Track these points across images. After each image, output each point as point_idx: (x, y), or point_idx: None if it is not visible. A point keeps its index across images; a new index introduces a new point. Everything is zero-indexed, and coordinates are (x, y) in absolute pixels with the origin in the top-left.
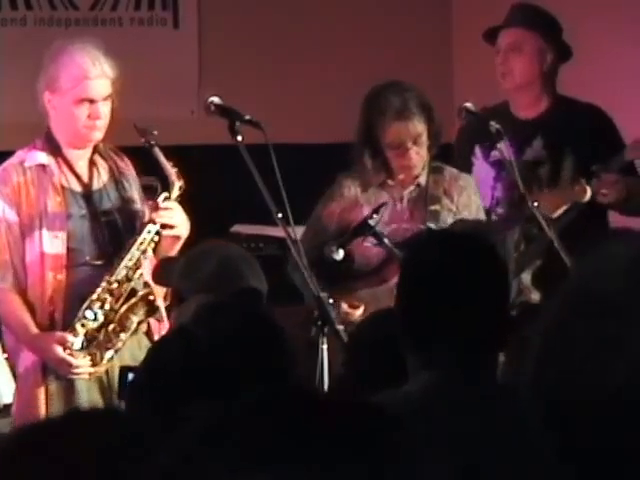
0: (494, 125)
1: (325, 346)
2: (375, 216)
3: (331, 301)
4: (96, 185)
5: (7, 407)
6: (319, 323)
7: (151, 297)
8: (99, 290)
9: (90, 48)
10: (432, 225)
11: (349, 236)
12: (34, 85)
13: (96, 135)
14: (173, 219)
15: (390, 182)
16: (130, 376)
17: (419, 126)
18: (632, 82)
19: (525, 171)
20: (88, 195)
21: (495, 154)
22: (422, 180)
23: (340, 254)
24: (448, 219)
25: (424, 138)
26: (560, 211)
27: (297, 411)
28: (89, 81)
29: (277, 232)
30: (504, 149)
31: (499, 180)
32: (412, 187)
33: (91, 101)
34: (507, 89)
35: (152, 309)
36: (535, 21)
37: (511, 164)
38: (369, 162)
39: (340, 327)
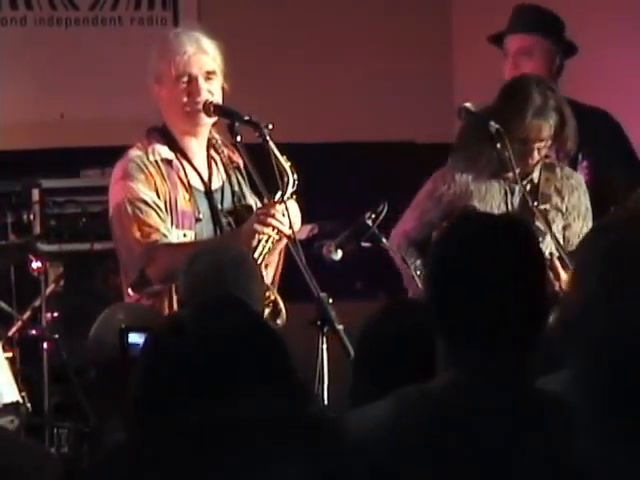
0: (493, 125)
1: (325, 346)
2: (373, 215)
3: (330, 300)
4: (215, 184)
5: (7, 406)
6: (319, 323)
7: (273, 298)
8: None
9: (190, 31)
10: (540, 225)
11: (347, 236)
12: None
13: (204, 118)
14: (285, 224)
15: (504, 174)
16: (130, 336)
17: (552, 128)
18: (633, 82)
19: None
20: (209, 195)
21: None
22: (535, 176)
23: (338, 254)
24: (556, 219)
25: (550, 141)
26: None
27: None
28: (183, 56)
29: None
30: (504, 142)
31: None
32: (524, 182)
33: (190, 78)
34: None
35: (276, 312)
36: (543, 24)
37: (510, 161)
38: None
39: (340, 327)
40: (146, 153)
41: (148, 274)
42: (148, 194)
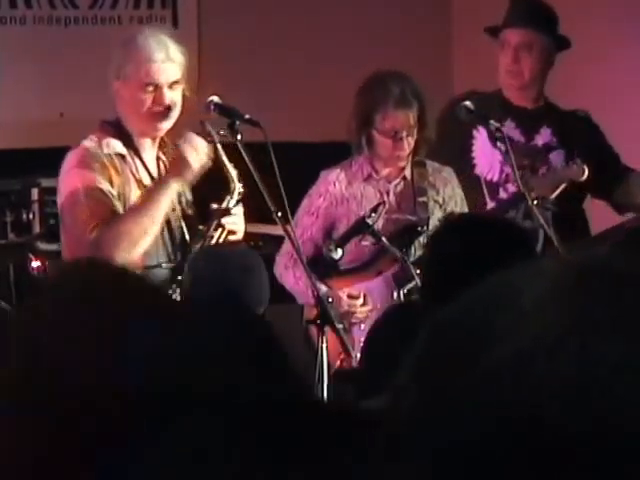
0: (494, 124)
1: (325, 345)
2: (373, 215)
3: (330, 300)
4: None
5: None
6: (318, 322)
7: None
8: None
9: (158, 34)
10: (422, 216)
11: (347, 235)
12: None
13: (163, 124)
14: (238, 225)
15: (375, 176)
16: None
17: (415, 117)
18: (631, 81)
19: (536, 155)
20: None
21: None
22: (407, 173)
23: (339, 253)
24: (435, 210)
25: (416, 130)
26: (558, 191)
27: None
28: (153, 64)
29: (276, 230)
30: (504, 147)
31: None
32: (398, 180)
33: (156, 86)
34: (512, 86)
35: None
36: (542, 20)
37: (509, 155)
38: (365, 149)
39: (340, 325)
40: (100, 146)
41: None
42: (103, 183)
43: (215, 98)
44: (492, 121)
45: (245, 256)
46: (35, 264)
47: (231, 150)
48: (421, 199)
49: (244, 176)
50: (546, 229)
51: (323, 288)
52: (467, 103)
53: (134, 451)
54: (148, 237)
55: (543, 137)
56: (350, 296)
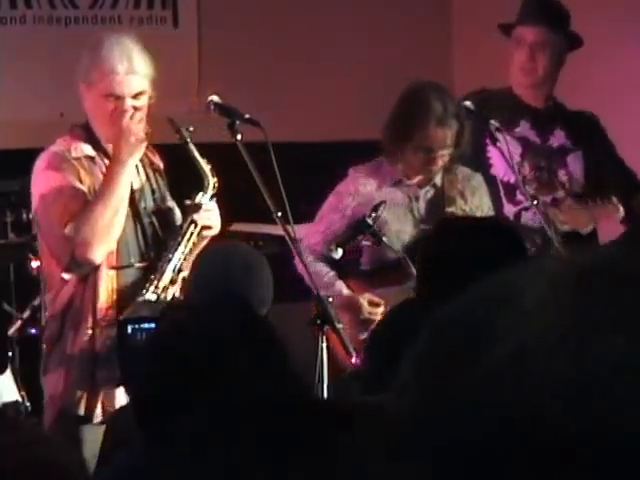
0: (494, 123)
1: (325, 344)
2: (373, 215)
3: (330, 300)
4: (135, 184)
5: (7, 406)
6: (319, 322)
7: None
8: (147, 295)
9: (125, 42)
10: None
11: (348, 235)
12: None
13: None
14: (212, 220)
15: (407, 181)
16: (129, 328)
17: (453, 136)
18: (632, 81)
19: (552, 157)
20: (130, 194)
21: (518, 131)
22: (437, 180)
23: (339, 253)
24: None
25: (452, 147)
26: (591, 227)
27: (258, 416)
28: (116, 76)
29: (276, 230)
30: (504, 146)
31: (526, 157)
32: (428, 187)
33: (117, 97)
34: (524, 84)
35: None
36: (557, 18)
37: (513, 167)
38: (397, 160)
39: (340, 325)
40: (68, 150)
41: (78, 257)
42: (73, 182)
43: (215, 98)
44: (492, 121)
45: (248, 255)
46: (35, 264)
47: (231, 149)
48: (450, 209)
49: (244, 176)
50: (547, 229)
51: (345, 291)
52: (467, 103)
53: (135, 450)
54: (119, 219)
55: (558, 139)
56: (371, 303)
